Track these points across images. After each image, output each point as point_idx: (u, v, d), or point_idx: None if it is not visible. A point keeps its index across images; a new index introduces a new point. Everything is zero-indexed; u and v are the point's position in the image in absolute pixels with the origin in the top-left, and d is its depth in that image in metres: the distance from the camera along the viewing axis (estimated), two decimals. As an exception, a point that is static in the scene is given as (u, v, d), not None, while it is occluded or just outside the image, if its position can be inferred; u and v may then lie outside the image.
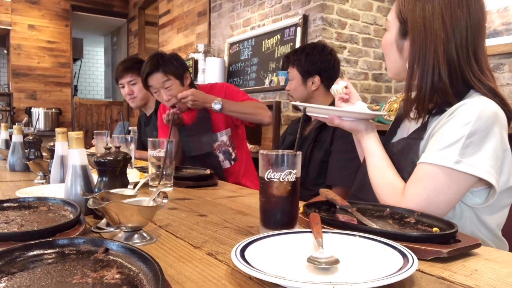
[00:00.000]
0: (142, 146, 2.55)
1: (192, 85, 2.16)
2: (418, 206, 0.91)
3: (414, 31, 1.00)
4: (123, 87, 2.57)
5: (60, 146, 1.20)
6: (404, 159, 1.03)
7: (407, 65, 1.03)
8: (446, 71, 0.97)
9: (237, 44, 4.35)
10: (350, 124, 1.08)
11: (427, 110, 1.02)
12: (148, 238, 0.79)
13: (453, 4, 0.97)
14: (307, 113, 1.13)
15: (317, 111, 1.13)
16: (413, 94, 1.04)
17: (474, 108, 0.91)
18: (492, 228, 0.99)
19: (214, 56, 4.56)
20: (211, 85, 2.26)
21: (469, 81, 0.98)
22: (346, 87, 1.12)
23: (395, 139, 1.14)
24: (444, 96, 0.98)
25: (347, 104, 1.14)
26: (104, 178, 0.94)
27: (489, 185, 0.93)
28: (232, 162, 2.17)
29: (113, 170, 0.94)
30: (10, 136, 2.03)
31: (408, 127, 1.11)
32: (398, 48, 1.07)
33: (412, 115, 1.05)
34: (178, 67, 2.02)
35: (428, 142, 0.98)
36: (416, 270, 0.59)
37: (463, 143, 0.89)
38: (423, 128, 1.02)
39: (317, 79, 1.88)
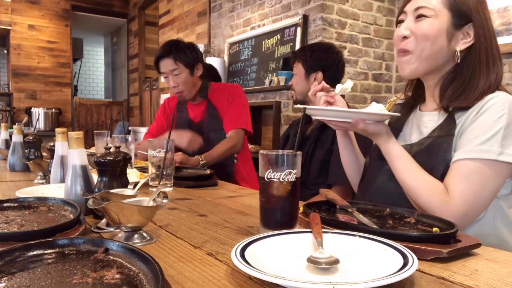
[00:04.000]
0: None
1: (204, 76, 2.16)
2: (468, 203, 0.91)
3: (477, 22, 1.03)
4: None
5: (60, 146, 1.19)
6: (434, 158, 1.00)
7: (457, 56, 1.03)
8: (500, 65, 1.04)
9: (237, 44, 4.35)
10: (374, 128, 1.00)
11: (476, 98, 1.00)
12: (148, 238, 0.79)
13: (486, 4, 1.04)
14: (321, 118, 1.06)
15: (335, 114, 1.03)
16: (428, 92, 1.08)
17: (504, 101, 0.95)
18: None
19: (214, 56, 4.56)
20: (223, 85, 2.29)
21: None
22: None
23: (408, 141, 1.10)
24: (494, 88, 1.00)
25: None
26: (104, 178, 0.94)
27: None
28: (235, 161, 2.18)
29: (113, 170, 0.94)
30: (10, 136, 2.02)
31: (417, 126, 1.10)
32: (447, 38, 1.02)
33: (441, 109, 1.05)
34: (189, 57, 2.05)
35: (458, 138, 0.98)
36: (416, 270, 0.59)
37: (502, 134, 0.92)
38: (450, 124, 1.01)
39: (320, 75, 1.90)
